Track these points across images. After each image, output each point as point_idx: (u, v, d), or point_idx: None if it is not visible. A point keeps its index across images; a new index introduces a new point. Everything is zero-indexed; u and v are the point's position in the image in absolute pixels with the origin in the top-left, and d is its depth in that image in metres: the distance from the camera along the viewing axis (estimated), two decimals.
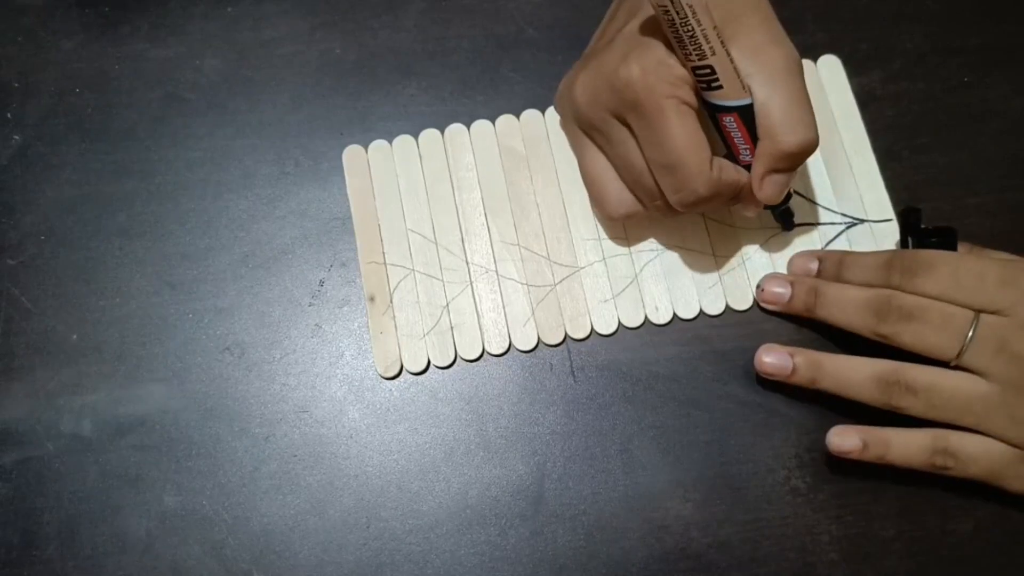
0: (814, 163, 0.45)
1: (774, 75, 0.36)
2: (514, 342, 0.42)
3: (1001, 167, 0.45)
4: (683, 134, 0.35)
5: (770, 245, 0.44)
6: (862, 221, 0.44)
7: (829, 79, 0.46)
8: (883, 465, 0.39)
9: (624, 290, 0.43)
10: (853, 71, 0.46)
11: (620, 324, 0.43)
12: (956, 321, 0.37)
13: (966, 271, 0.37)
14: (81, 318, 0.43)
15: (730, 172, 0.37)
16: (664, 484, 0.41)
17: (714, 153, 0.37)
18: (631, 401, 0.42)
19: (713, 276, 0.43)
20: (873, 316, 0.38)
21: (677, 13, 0.34)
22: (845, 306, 0.40)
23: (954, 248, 0.40)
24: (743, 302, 0.43)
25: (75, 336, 0.42)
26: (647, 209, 0.40)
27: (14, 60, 0.47)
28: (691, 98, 0.36)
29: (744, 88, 0.36)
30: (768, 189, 0.38)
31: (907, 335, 0.38)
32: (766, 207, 0.41)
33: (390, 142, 0.45)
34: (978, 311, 0.37)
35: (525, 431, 0.41)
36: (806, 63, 0.46)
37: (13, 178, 0.45)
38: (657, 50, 0.36)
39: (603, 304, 0.43)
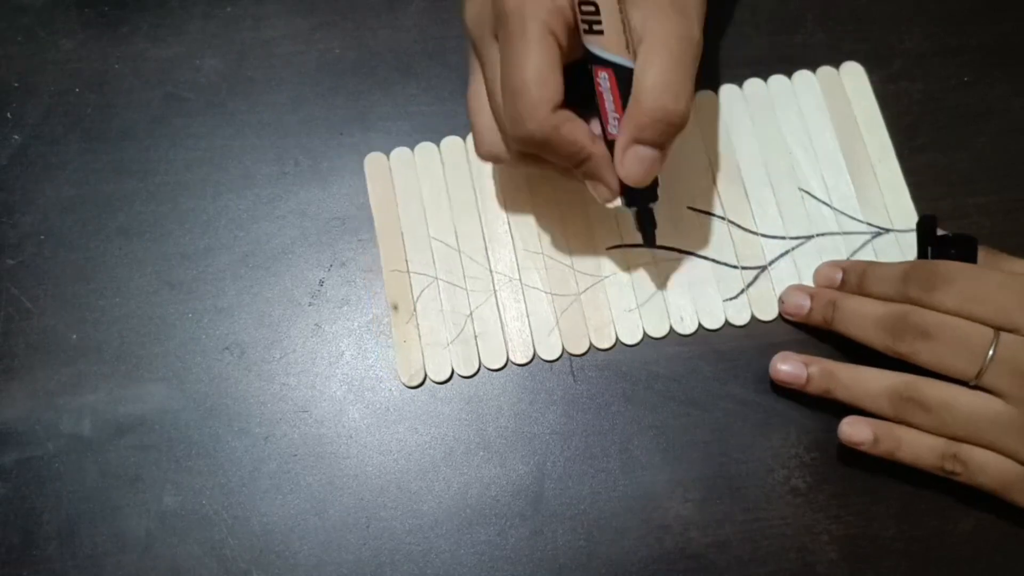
0: (838, 170, 0.44)
1: (660, 42, 0.33)
2: (538, 351, 0.42)
3: (1001, 167, 0.45)
4: (535, 60, 0.32)
5: (796, 255, 0.43)
6: (887, 231, 0.44)
7: (852, 86, 0.45)
8: (892, 461, 0.39)
9: (649, 300, 0.43)
10: None
11: (645, 334, 0.42)
12: (974, 341, 0.36)
13: (985, 287, 0.36)
14: (81, 318, 0.43)
15: (576, 130, 0.34)
16: (664, 484, 0.41)
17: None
18: (631, 401, 0.42)
19: (738, 286, 0.43)
20: (889, 334, 0.38)
21: None
22: (862, 322, 0.39)
23: (974, 259, 0.39)
24: (768, 312, 0.42)
25: (75, 336, 0.42)
26: (506, 155, 0.37)
27: (14, 60, 0.47)
28: (563, 37, 0.33)
29: (628, 48, 0.33)
30: (629, 163, 0.35)
31: (924, 354, 0.37)
32: (627, 204, 0.38)
33: (412, 148, 0.45)
34: (998, 329, 0.36)
35: (525, 431, 0.41)
36: (828, 71, 0.46)
37: (13, 178, 0.45)
38: None
39: (628, 314, 0.42)
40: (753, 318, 0.42)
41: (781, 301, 0.42)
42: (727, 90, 0.46)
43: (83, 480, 0.40)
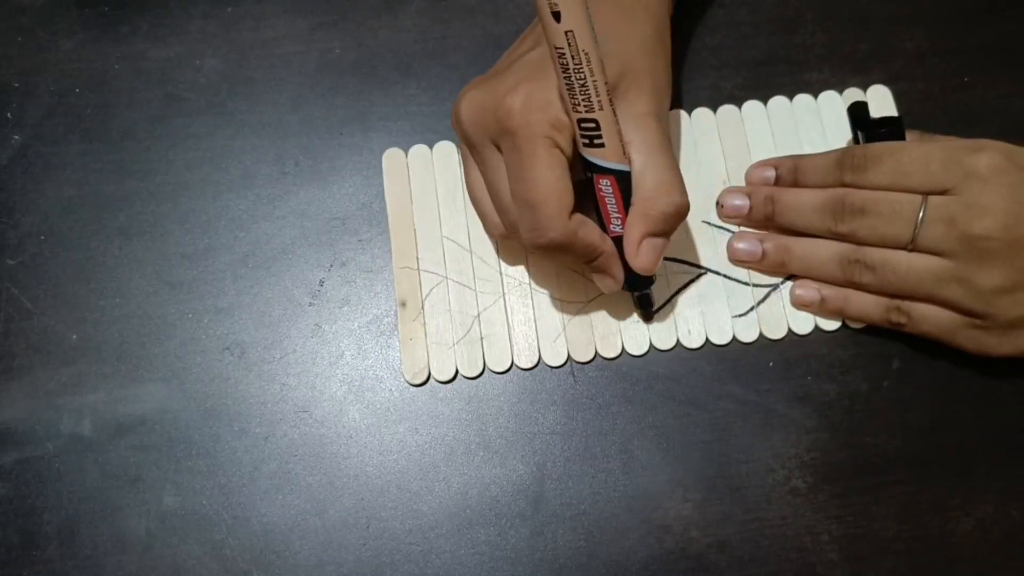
0: None
1: (652, 147, 0.36)
2: (544, 357, 0.42)
3: None
4: (548, 175, 0.35)
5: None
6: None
7: (878, 109, 0.45)
8: (842, 317, 0.42)
9: (658, 312, 0.43)
10: (853, 71, 0.46)
11: (652, 346, 0.42)
12: (905, 208, 0.38)
13: (911, 158, 0.39)
14: (81, 318, 0.43)
15: (590, 232, 0.37)
16: (664, 484, 0.40)
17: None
18: (631, 401, 0.42)
19: (748, 303, 0.43)
20: (830, 216, 0.40)
21: (572, 58, 0.33)
22: (802, 210, 0.41)
23: (902, 136, 0.42)
24: (778, 331, 0.42)
25: (75, 336, 0.42)
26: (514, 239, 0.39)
27: (14, 60, 0.47)
28: (567, 146, 0.36)
29: (625, 154, 0.36)
30: (645, 254, 0.37)
31: (863, 230, 0.39)
32: (627, 288, 0.40)
33: (430, 147, 0.45)
34: (926, 194, 0.38)
35: (525, 431, 0.41)
36: (855, 92, 0.46)
37: (13, 178, 0.45)
38: (548, 87, 0.35)
39: (636, 324, 0.42)
40: (761, 335, 0.42)
41: (720, 205, 0.43)
42: (750, 106, 0.45)
43: (83, 480, 0.40)
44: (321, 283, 0.43)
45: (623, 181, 0.36)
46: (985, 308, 0.38)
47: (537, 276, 0.43)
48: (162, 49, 0.47)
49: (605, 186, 0.36)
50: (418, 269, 0.43)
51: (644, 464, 0.41)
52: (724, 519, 0.40)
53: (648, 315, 0.42)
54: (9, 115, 0.46)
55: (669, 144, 0.37)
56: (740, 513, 0.40)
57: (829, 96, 0.46)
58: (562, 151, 0.36)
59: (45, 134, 0.45)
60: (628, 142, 0.36)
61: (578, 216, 0.36)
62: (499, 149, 0.37)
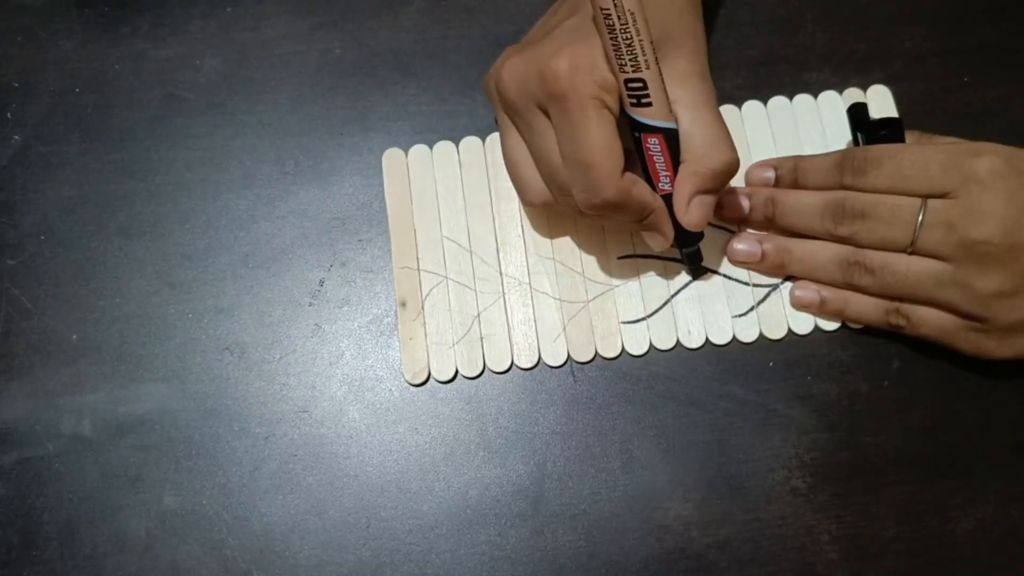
0: None
1: (697, 104, 0.37)
2: (544, 357, 0.42)
3: None
4: (599, 135, 0.36)
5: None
6: None
7: (878, 108, 0.45)
8: (842, 319, 0.42)
9: (657, 311, 0.43)
10: (853, 71, 0.46)
11: (652, 346, 0.42)
12: (905, 211, 0.38)
13: (910, 162, 0.39)
14: (81, 318, 0.43)
15: (642, 190, 0.37)
16: (664, 484, 0.41)
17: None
18: (631, 401, 0.42)
19: (748, 303, 0.43)
20: (830, 219, 0.40)
21: (619, 18, 0.34)
22: (802, 212, 0.41)
23: (902, 138, 0.42)
24: (778, 331, 0.42)
25: (75, 336, 0.42)
26: (558, 204, 0.40)
27: (14, 60, 0.47)
28: (615, 106, 0.36)
29: (671, 112, 0.37)
30: (695, 211, 0.38)
31: (863, 233, 0.40)
32: (677, 245, 0.41)
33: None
34: (926, 197, 0.38)
35: (525, 431, 0.41)
36: (855, 92, 0.46)
37: (13, 178, 0.45)
38: (593, 49, 0.36)
39: (635, 324, 0.42)
40: (761, 335, 0.42)
41: (719, 206, 0.43)
42: (750, 106, 0.46)
43: (83, 480, 0.40)
44: (321, 283, 0.43)
45: (671, 139, 0.37)
46: (984, 312, 0.38)
47: (537, 276, 0.43)
48: (162, 49, 0.47)
49: (653, 145, 0.37)
50: (418, 269, 0.43)
51: (644, 464, 0.41)
52: (724, 519, 0.40)
53: (697, 270, 0.43)
54: (9, 115, 0.46)
55: (715, 101, 0.38)
56: (740, 513, 0.40)
57: (829, 96, 0.46)
58: (610, 111, 0.36)
59: (45, 134, 0.45)
60: (674, 100, 0.37)
61: (629, 175, 0.37)
62: (545, 114, 0.37)
